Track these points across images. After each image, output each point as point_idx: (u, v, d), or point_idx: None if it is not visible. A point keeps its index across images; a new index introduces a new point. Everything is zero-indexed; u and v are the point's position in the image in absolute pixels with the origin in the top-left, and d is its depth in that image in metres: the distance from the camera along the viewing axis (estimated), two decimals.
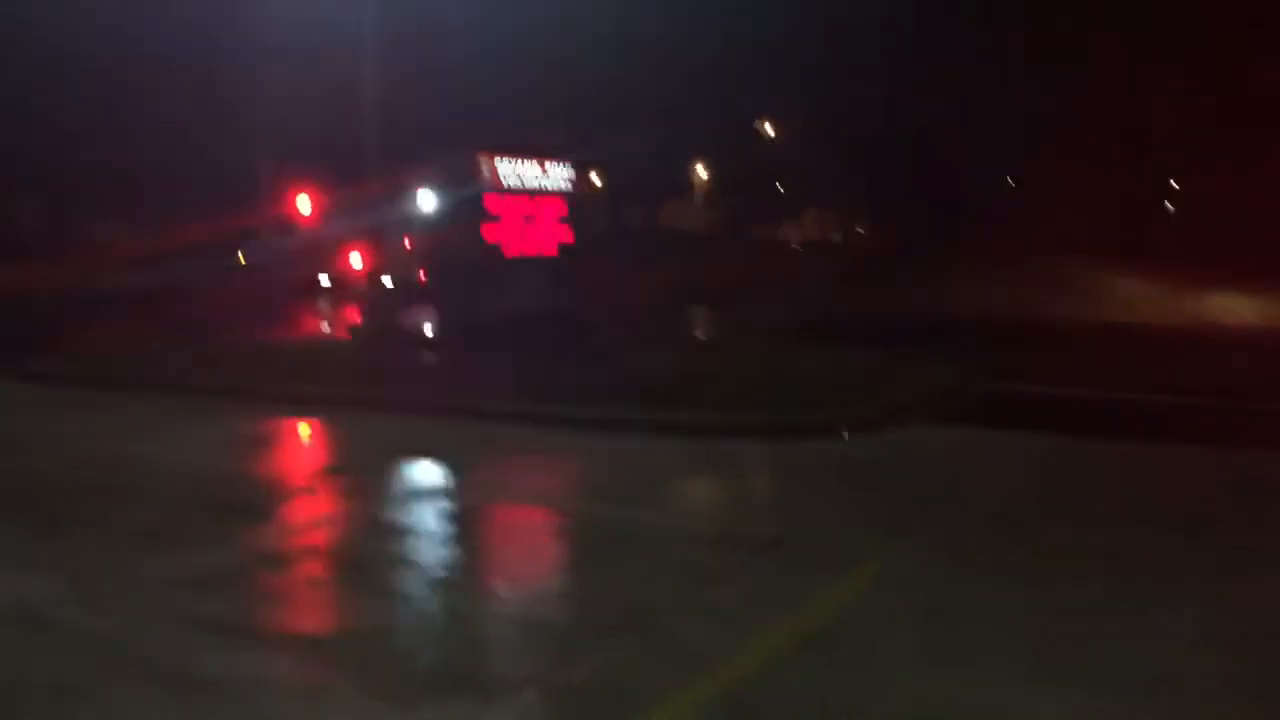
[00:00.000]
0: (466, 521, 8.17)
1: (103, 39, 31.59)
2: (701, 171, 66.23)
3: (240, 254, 39.94)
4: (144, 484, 8.98)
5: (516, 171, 16.60)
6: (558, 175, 17.49)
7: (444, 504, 8.67)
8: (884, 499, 8.66)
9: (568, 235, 17.70)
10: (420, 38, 25.46)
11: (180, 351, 15.34)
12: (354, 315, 14.64)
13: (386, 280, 14.21)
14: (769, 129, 64.22)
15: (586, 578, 6.97)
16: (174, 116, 33.24)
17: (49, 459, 9.94)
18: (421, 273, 15.75)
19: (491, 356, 14.27)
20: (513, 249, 16.32)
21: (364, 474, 9.45)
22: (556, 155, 17.63)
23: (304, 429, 11.82)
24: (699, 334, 23.09)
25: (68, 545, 7.36)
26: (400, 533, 7.82)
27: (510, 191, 16.41)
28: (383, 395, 12.61)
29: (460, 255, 15.82)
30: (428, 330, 15.13)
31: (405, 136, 14.52)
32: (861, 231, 63.39)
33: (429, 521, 8.08)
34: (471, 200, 15.83)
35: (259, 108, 32.23)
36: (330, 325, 17.84)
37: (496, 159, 16.24)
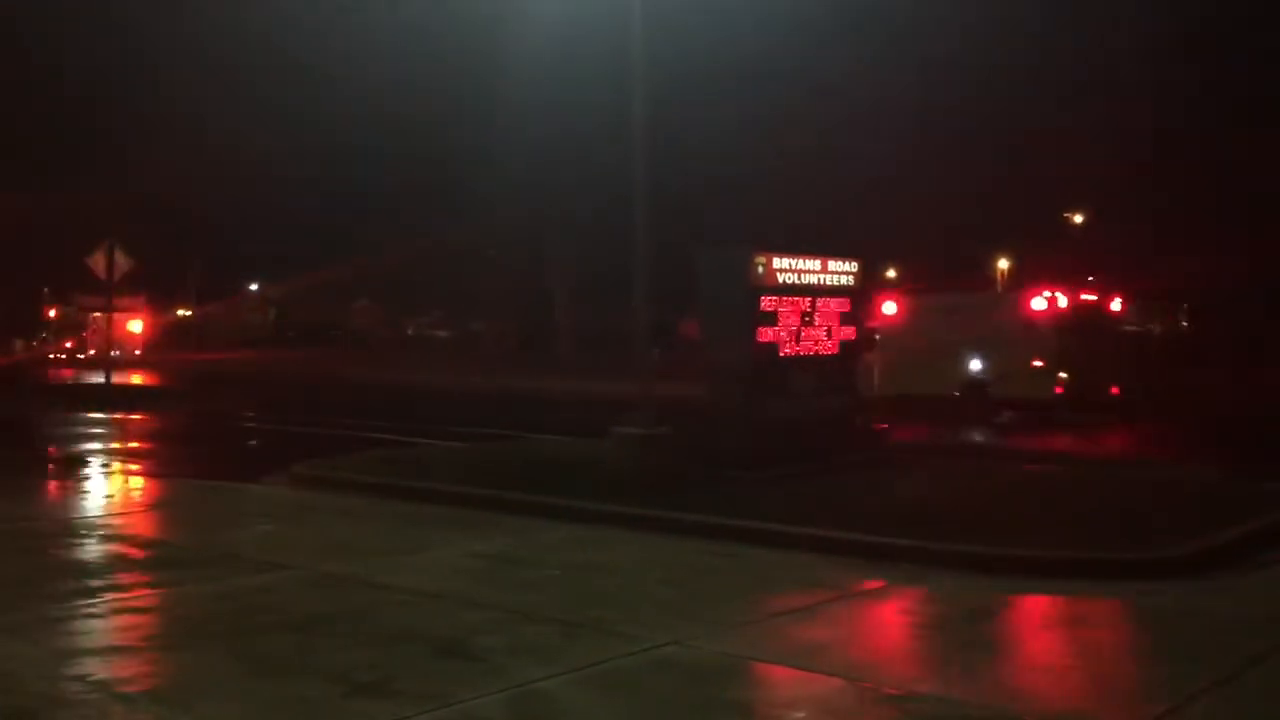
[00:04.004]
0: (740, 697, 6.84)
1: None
2: (1002, 263, 63.42)
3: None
4: None
5: (794, 267, 15.47)
6: (841, 270, 16.19)
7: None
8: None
9: (852, 333, 16.33)
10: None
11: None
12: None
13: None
14: (1078, 218, 60.35)
15: None
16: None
17: None
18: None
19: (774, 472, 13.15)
20: (788, 349, 15.10)
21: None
22: (840, 251, 16.38)
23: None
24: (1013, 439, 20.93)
25: None
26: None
27: (787, 289, 15.28)
28: (641, 511, 11.63)
29: (730, 357, 14.78)
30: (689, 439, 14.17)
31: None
32: None
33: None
34: (744, 298, 14.78)
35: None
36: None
37: (772, 255, 15.21)
